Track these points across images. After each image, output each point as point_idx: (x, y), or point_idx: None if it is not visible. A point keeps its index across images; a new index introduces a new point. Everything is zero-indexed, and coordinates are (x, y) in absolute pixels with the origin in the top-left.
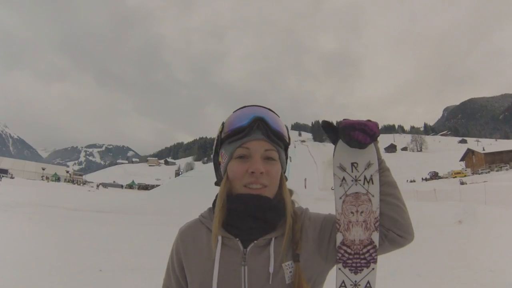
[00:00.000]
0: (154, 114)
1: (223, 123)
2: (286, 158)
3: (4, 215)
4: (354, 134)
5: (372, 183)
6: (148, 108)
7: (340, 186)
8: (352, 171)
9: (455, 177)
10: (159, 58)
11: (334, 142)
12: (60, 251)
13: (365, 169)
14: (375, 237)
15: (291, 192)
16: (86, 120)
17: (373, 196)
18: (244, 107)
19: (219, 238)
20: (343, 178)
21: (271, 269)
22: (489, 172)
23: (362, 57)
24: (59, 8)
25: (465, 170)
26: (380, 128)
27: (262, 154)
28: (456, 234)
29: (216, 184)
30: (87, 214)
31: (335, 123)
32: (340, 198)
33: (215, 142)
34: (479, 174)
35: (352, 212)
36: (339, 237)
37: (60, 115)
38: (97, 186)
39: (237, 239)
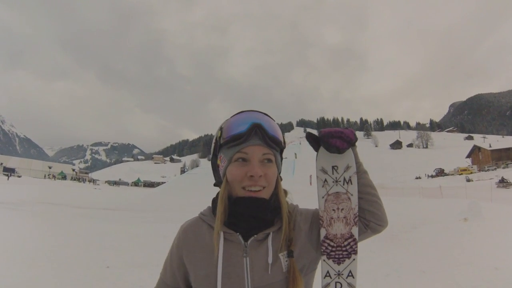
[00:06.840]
0: (158, 111)
1: (221, 128)
2: (281, 160)
3: (12, 213)
4: (333, 141)
5: (351, 184)
6: (152, 105)
7: (323, 186)
8: (333, 173)
9: (461, 174)
10: (161, 54)
11: (316, 150)
12: (68, 248)
13: (344, 171)
14: (355, 231)
15: (286, 192)
16: (91, 118)
17: (352, 195)
18: (242, 112)
19: (221, 233)
20: (325, 180)
21: (269, 260)
22: (495, 169)
23: (368, 51)
24: (59, 6)
25: (471, 167)
26: (385, 124)
27: (260, 158)
28: (461, 231)
29: (215, 185)
30: (94, 212)
31: (317, 133)
32: (323, 197)
33: (212, 146)
34: (486, 171)
35: (333, 210)
36: (322, 232)
37: (65, 114)
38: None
39: (238, 233)
